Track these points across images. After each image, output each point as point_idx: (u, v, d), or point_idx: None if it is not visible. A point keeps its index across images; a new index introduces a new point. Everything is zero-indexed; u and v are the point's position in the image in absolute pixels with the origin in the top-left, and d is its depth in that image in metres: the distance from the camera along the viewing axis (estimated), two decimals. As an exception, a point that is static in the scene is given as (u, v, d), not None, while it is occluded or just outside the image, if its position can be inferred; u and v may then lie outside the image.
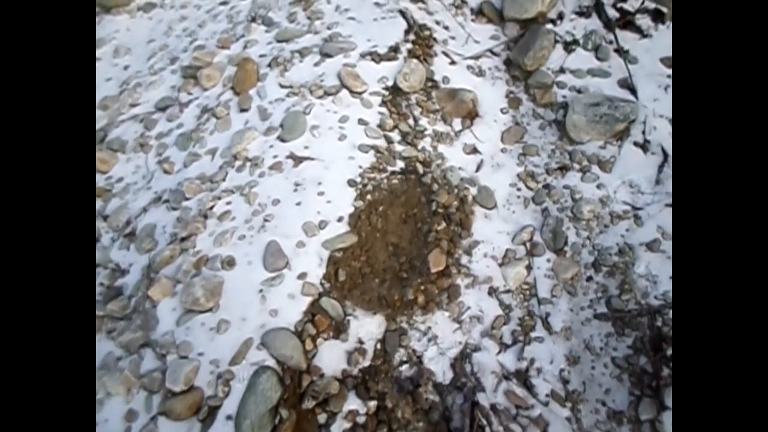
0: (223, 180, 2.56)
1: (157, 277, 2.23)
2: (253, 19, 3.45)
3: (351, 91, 2.77)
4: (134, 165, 2.93)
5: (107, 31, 3.87)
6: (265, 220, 2.32)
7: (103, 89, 3.47)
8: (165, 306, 2.14)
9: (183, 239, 2.34)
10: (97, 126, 3.18)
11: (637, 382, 2.04)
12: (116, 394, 1.99)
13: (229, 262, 2.20)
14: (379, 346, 2.14)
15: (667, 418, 1.90)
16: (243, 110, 2.86)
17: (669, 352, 1.99)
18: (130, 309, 2.23)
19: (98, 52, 3.73)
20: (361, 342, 2.11)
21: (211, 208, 2.43)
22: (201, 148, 2.79)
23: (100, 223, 2.67)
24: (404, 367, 2.11)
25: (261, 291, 2.11)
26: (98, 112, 3.30)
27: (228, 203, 2.44)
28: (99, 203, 2.77)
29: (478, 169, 2.71)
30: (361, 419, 1.95)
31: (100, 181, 2.88)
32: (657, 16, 2.92)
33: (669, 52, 2.81)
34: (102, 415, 1.96)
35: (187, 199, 2.53)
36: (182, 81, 3.26)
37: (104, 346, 2.17)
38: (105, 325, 2.22)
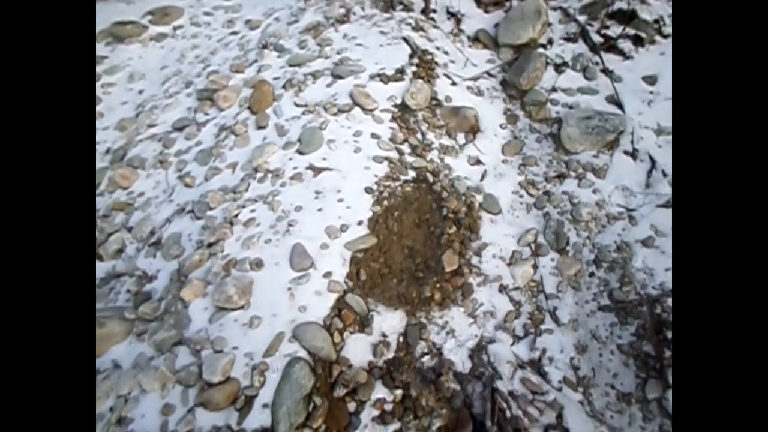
0: (246, 190, 2.71)
1: (187, 279, 2.34)
2: (265, 46, 3.69)
3: (363, 109, 2.98)
4: (154, 180, 3.07)
5: (121, 59, 4.07)
6: (290, 225, 2.47)
7: (119, 112, 3.64)
8: (197, 306, 2.25)
9: (210, 245, 2.46)
10: (116, 145, 3.33)
11: (642, 365, 2.19)
12: (151, 390, 2.06)
13: (258, 264, 2.33)
14: (401, 339, 2.26)
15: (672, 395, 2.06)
16: (261, 127, 3.04)
17: (669, 335, 2.16)
18: (161, 311, 2.32)
19: (112, 78, 3.92)
20: (384, 335, 2.24)
21: (236, 215, 2.57)
22: (221, 162, 2.95)
23: (124, 235, 2.78)
24: (426, 358, 2.23)
25: (289, 289, 2.24)
26: (116, 133, 3.46)
27: (252, 211, 2.58)
28: (122, 216, 2.89)
29: (482, 178, 2.92)
30: (388, 407, 2.06)
31: (122, 196, 3.01)
32: (637, 41, 3.24)
33: (650, 71, 3.11)
34: (138, 411, 2.03)
35: (211, 208, 2.67)
36: (198, 103, 3.45)
37: (135, 348, 2.25)
38: (135, 327, 2.31)
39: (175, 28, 4.32)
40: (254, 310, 2.19)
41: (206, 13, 4.46)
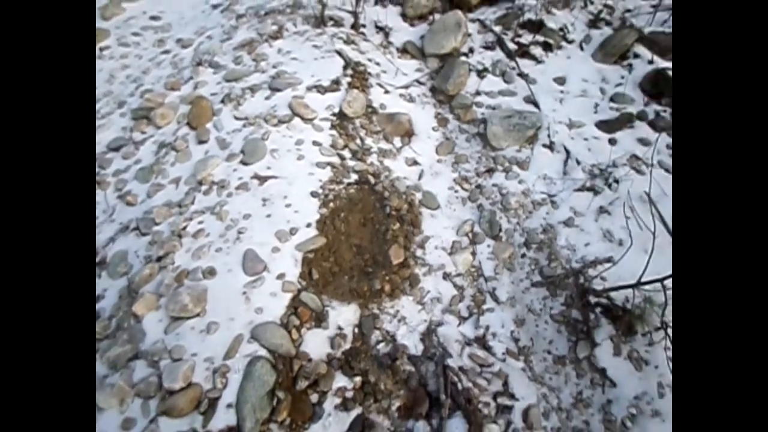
0: (192, 203, 2.74)
1: (138, 294, 2.33)
2: (200, 63, 3.73)
3: (303, 118, 3.11)
4: (93, 202, 3.00)
5: (45, 82, 3.91)
6: (239, 233, 2.53)
7: (48, 135, 3.50)
8: (151, 319, 2.25)
9: (160, 258, 2.47)
10: (47, 169, 3.21)
11: (572, 330, 2.47)
12: (109, 407, 2.03)
13: (210, 272, 2.37)
14: (356, 330, 2.39)
15: (599, 352, 2.34)
16: (202, 142, 3.08)
17: (593, 300, 2.45)
18: (112, 328, 2.30)
19: (37, 102, 3.76)
20: (340, 328, 2.36)
21: (184, 228, 2.59)
22: (164, 178, 2.95)
23: (64, 258, 2.69)
24: (381, 345, 2.37)
25: (245, 293, 2.30)
26: (46, 157, 3.33)
27: (200, 222, 2.62)
28: (60, 240, 2.80)
29: (420, 177, 3.14)
30: (349, 394, 2.17)
31: (58, 219, 2.91)
32: (546, 47, 3.63)
33: (560, 73, 3.50)
34: (97, 430, 2.00)
35: (157, 224, 2.67)
36: (133, 122, 3.41)
37: (87, 368, 2.21)
38: (85, 348, 2.26)
39: (101, 49, 4.23)
40: (211, 317, 2.23)
41: (134, 34, 4.41)
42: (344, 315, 2.41)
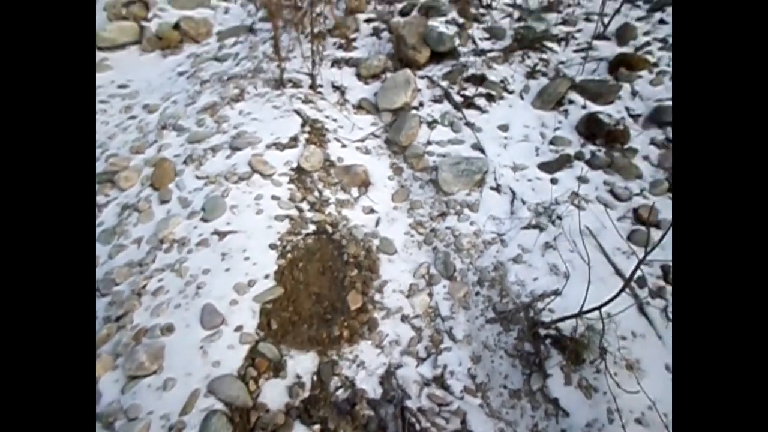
0: (153, 262, 2.80)
1: (96, 355, 2.35)
2: (164, 127, 3.90)
3: (262, 175, 3.26)
4: (55, 266, 3.03)
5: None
6: (198, 288, 2.60)
7: (11, 203, 3.56)
8: (107, 379, 2.26)
9: (119, 318, 2.50)
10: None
11: (525, 363, 2.55)
12: (61, 475, 2.00)
13: (168, 328, 2.41)
14: (315, 378, 2.43)
15: (551, 382, 2.42)
16: (164, 201, 3.19)
17: (542, 332, 2.56)
18: (68, 392, 2.28)
19: (2, 171, 3.84)
20: (299, 377, 2.39)
21: (144, 286, 2.65)
22: (126, 239, 3.02)
23: (22, 324, 2.69)
24: (340, 391, 2.41)
25: (202, 347, 2.34)
26: (9, 224, 3.37)
27: (160, 280, 2.68)
28: (19, 306, 2.81)
29: (377, 224, 3.28)
30: (308, 443, 2.19)
31: (18, 285, 2.93)
32: (489, 98, 3.93)
33: (502, 121, 3.77)
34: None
35: (117, 284, 2.72)
36: (98, 186, 3.51)
37: (41, 436, 2.18)
38: (40, 415, 2.24)
39: (69, 118, 4.37)
40: (168, 373, 2.25)
41: (102, 101, 4.59)
42: (303, 363, 2.45)
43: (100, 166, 3.68)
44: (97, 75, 4.91)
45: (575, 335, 2.48)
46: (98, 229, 3.16)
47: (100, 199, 3.40)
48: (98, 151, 3.93)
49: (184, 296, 2.58)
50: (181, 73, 4.93)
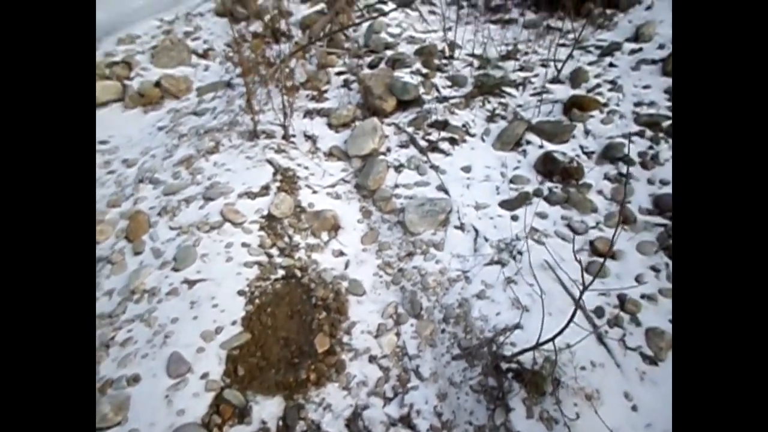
0: (123, 313, 2.86)
1: (60, 409, 2.36)
2: (141, 181, 4.03)
3: (233, 223, 3.37)
4: (26, 321, 3.07)
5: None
6: (166, 337, 2.65)
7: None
8: None
9: (86, 371, 2.53)
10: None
11: (489, 398, 2.59)
12: None
13: (135, 379, 2.45)
14: (281, 423, 2.46)
15: (514, 416, 2.46)
16: (137, 253, 3.27)
17: (504, 366, 2.62)
18: (30, 449, 2.28)
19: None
20: (264, 422, 2.42)
21: (113, 338, 2.69)
22: (98, 291, 3.08)
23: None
24: (305, 435, 2.43)
25: (167, 396, 2.37)
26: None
27: (129, 331, 2.73)
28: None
29: (346, 267, 3.38)
30: (271, 490, 2.19)
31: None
32: (453, 142, 4.13)
33: (465, 163, 3.95)
34: None
35: (86, 336, 2.75)
36: (74, 240, 3.59)
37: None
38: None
39: (50, 175, 4.51)
40: (132, 424, 2.27)
41: (83, 158, 4.74)
42: (268, 408, 2.48)
43: (77, 221, 3.77)
44: (79, 133, 5.09)
45: (535, 368, 2.55)
46: (71, 283, 3.22)
47: (75, 253, 3.47)
48: (76, 206, 4.04)
49: (151, 346, 2.62)
50: (160, 128, 5.11)
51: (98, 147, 4.92)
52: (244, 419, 2.39)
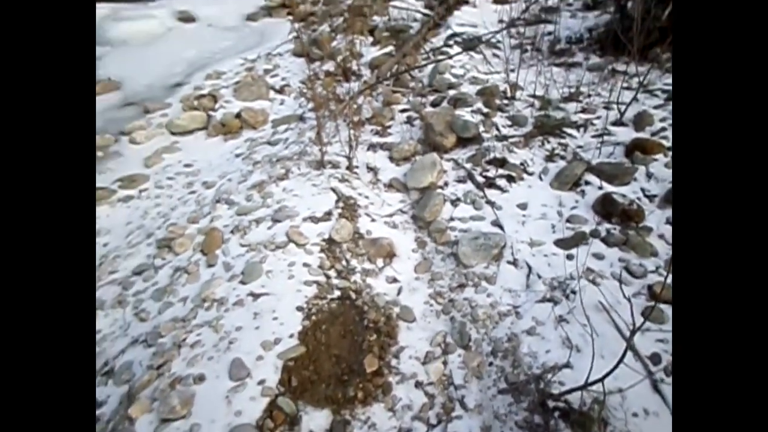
0: (194, 318, 3.14)
1: (136, 398, 2.63)
2: (218, 201, 4.44)
3: (296, 244, 3.63)
4: (112, 318, 3.45)
5: (90, 220, 4.68)
6: (230, 343, 2.88)
7: (84, 264, 4.12)
8: (143, 421, 2.51)
9: (159, 366, 2.81)
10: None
11: (534, 435, 2.57)
12: (93, 507, 2.22)
13: (200, 378, 2.68)
14: (327, 435, 2.57)
15: (558, 457, 2.42)
16: (210, 266, 3.60)
17: (551, 404, 2.59)
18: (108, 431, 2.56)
19: (81, 236, 4.47)
20: (312, 432, 2.55)
21: (184, 340, 2.97)
22: (174, 297, 3.41)
23: (79, 369, 3.06)
24: (350, 450, 2.52)
25: (227, 397, 2.57)
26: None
27: (198, 335, 2.99)
28: (78, 353, 3.19)
29: (398, 293, 3.50)
30: (315, 498, 2.29)
31: (80, 335, 3.34)
32: (510, 179, 4.22)
33: (522, 200, 4.01)
34: None
35: (162, 336, 3.06)
36: (157, 250, 4.01)
37: (80, 471, 2.43)
38: (82, 452, 2.50)
39: (140, 191, 5.08)
40: (195, 419, 2.48)
41: (169, 178, 5.29)
42: (317, 420, 2.61)
43: (160, 233, 4.22)
44: (168, 155, 5.70)
45: (583, 408, 2.50)
46: (152, 288, 3.59)
47: (157, 261, 3.88)
48: (161, 220, 4.51)
49: (217, 350, 2.86)
50: (237, 155, 5.61)
51: (183, 170, 5.48)
52: (294, 427, 2.53)
